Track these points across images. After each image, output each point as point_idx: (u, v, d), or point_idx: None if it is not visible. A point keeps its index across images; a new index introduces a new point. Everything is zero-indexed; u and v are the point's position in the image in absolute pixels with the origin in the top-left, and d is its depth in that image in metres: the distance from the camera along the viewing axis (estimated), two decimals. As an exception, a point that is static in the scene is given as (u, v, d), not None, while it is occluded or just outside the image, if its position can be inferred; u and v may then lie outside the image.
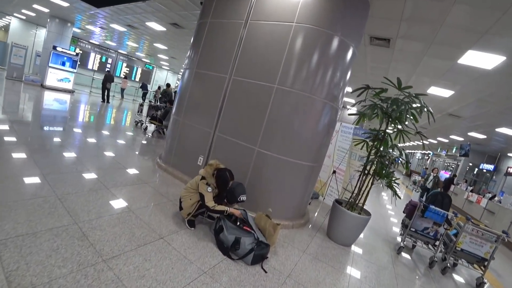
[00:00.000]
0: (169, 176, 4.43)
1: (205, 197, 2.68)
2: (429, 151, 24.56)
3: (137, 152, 5.51)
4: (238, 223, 2.69)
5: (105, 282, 1.84)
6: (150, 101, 7.91)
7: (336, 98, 3.67)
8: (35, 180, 3.04)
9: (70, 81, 12.21)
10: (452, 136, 13.81)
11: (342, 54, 3.56)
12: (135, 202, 3.19)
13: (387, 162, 3.30)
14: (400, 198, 3.25)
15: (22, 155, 3.62)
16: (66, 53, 11.98)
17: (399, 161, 3.65)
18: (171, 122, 4.81)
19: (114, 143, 5.81)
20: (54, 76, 11.68)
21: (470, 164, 17.38)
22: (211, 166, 2.83)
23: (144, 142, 6.82)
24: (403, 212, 4.46)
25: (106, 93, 12.34)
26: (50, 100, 9.24)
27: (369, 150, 3.59)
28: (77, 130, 6.04)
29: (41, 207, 2.51)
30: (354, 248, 3.66)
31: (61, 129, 5.79)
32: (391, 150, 3.49)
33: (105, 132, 6.56)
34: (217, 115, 3.88)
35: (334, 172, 5.50)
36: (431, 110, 3.10)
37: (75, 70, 12.35)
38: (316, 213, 4.78)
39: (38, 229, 2.19)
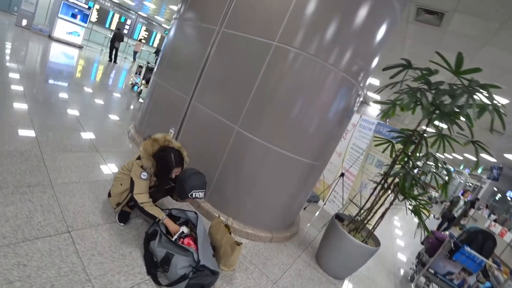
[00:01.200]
0: (136, 148, 3.60)
1: (135, 186, 1.80)
2: (450, 167, 22.63)
3: (114, 117, 4.70)
4: (180, 232, 1.80)
5: None
6: (148, 63, 6.95)
7: (359, 74, 2.61)
8: None
9: (79, 35, 11.55)
10: (483, 155, 12.25)
11: (379, 12, 2.47)
12: (64, 174, 2.38)
13: (420, 174, 2.25)
14: (428, 233, 2.20)
15: None
16: (77, 5, 11.25)
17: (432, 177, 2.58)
18: (150, 84, 3.93)
19: (93, 103, 5.01)
20: (63, 28, 11.02)
21: (495, 188, 15.66)
22: (155, 143, 1.90)
23: (132, 106, 6.00)
24: (421, 243, 3.42)
25: (114, 53, 11.65)
26: (53, 52, 8.54)
27: (394, 155, 2.56)
28: (61, 84, 5.27)
29: None
30: (347, 283, 2.72)
31: (44, 82, 5.02)
32: (425, 160, 2.44)
33: (93, 91, 5.76)
34: (197, 78, 2.93)
35: (343, 174, 4.50)
36: (504, 112, 2.03)
37: (85, 25, 11.66)
38: (310, 223, 3.84)
39: None
